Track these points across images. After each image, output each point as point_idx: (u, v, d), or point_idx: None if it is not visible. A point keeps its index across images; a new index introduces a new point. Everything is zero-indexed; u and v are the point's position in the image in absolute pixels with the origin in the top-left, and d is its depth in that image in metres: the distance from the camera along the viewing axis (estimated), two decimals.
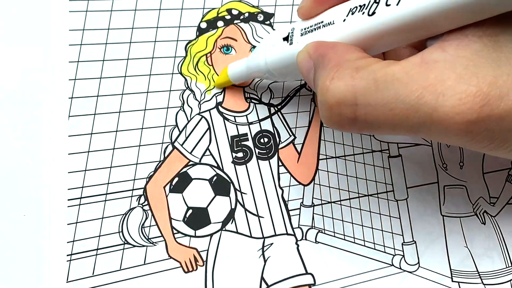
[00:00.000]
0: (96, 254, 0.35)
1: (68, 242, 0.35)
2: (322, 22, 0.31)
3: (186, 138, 0.39)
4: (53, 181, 0.36)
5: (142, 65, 0.40)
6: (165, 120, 0.39)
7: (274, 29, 0.42)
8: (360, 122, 0.27)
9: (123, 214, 0.36)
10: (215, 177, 0.38)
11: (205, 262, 0.36)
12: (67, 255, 0.35)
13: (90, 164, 0.37)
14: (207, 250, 0.37)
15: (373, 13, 0.28)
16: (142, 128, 0.38)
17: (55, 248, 0.35)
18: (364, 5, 0.29)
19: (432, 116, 0.25)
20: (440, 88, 0.25)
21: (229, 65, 0.39)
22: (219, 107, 0.40)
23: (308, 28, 0.32)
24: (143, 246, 0.36)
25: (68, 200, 0.36)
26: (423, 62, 0.26)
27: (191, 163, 0.38)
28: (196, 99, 0.40)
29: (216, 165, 0.39)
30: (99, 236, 0.36)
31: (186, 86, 0.40)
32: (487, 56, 0.25)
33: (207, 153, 0.39)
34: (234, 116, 0.40)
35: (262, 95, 0.41)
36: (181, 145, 0.38)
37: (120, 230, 0.36)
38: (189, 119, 0.39)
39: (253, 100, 0.40)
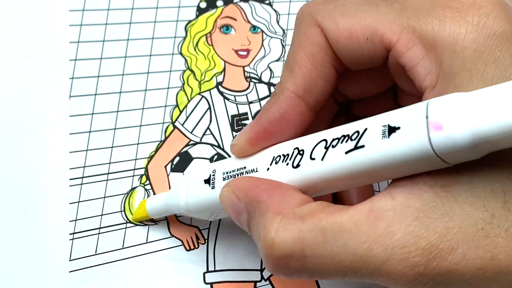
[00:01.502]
0: (99, 233, 0.36)
1: (70, 221, 0.35)
2: (245, 168, 0.30)
3: (187, 117, 0.39)
4: (55, 161, 0.36)
5: (142, 46, 0.40)
6: (165, 100, 0.39)
7: (274, 9, 0.42)
8: (308, 272, 0.26)
9: (125, 194, 0.37)
10: (215, 156, 0.38)
11: (206, 240, 0.37)
12: (70, 234, 0.35)
13: (91, 144, 0.37)
14: (208, 228, 0.37)
15: (298, 165, 0.27)
16: (143, 108, 0.38)
17: (57, 227, 0.35)
18: (288, 155, 0.27)
19: (381, 268, 0.24)
20: (389, 241, 0.24)
21: (147, 199, 0.37)
22: (219, 86, 0.40)
23: (230, 172, 0.30)
24: (145, 225, 0.36)
25: (70, 179, 0.36)
26: (372, 211, 0.24)
27: (191, 142, 0.39)
28: (196, 79, 0.40)
29: (216, 144, 0.39)
30: (101, 215, 0.36)
31: (186, 67, 0.40)
32: (440, 207, 0.24)
33: (208, 132, 0.39)
34: (234, 96, 0.40)
35: (262, 74, 0.41)
36: (182, 124, 0.39)
37: (122, 209, 0.36)
38: (189, 99, 0.39)
39: (253, 80, 0.41)
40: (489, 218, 0.24)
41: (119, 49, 0.39)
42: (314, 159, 0.26)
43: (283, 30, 0.42)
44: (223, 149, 0.39)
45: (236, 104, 0.40)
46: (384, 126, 0.23)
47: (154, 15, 0.41)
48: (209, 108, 0.39)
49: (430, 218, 0.24)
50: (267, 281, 0.36)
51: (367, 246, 0.24)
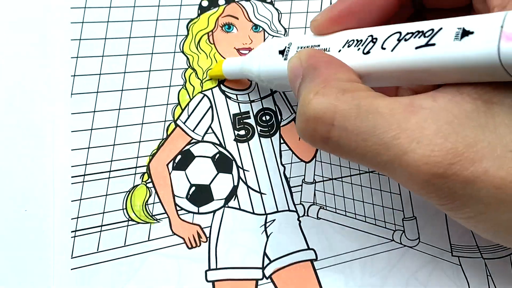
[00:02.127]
0: (101, 231, 0.36)
1: (72, 219, 0.35)
2: (319, 45, 0.31)
3: (189, 116, 0.39)
4: (57, 158, 0.36)
5: (144, 44, 0.40)
6: (167, 98, 0.39)
7: (275, 8, 0.42)
8: (332, 143, 0.27)
9: (127, 192, 0.37)
10: (217, 155, 0.39)
11: (208, 238, 0.37)
12: (72, 232, 0.35)
13: (93, 142, 0.37)
14: (210, 226, 0.37)
15: (368, 52, 0.28)
16: (144, 106, 0.38)
17: (59, 225, 0.35)
18: (361, 40, 0.29)
19: (401, 158, 0.25)
20: (417, 134, 0.24)
21: (225, 59, 0.39)
22: (221, 85, 0.40)
23: (304, 47, 0.32)
24: (147, 222, 0.36)
25: (72, 177, 0.36)
26: (410, 105, 0.25)
27: (193, 140, 0.39)
28: (198, 78, 0.40)
29: (218, 142, 0.39)
30: (103, 213, 0.36)
31: (188, 65, 0.40)
32: (476, 119, 0.24)
33: (210, 131, 0.39)
34: (236, 94, 0.40)
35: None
36: (184, 123, 0.39)
37: (124, 207, 0.36)
38: (191, 97, 0.39)
39: None
40: None
41: (121, 47, 0.39)
42: (384, 48, 0.27)
43: (285, 29, 0.42)
44: (225, 148, 0.39)
45: (238, 103, 0.40)
46: (459, 28, 0.24)
47: (156, 13, 0.41)
48: (211, 106, 0.39)
49: (463, 126, 0.24)
50: (269, 279, 0.36)
51: (395, 133, 0.25)
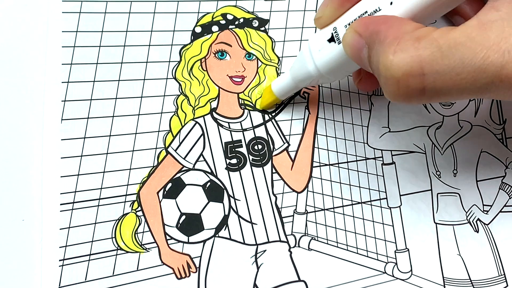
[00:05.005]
0: (89, 260, 0.35)
1: (60, 247, 0.35)
2: (366, 12, 0.31)
3: (180, 143, 0.39)
4: (46, 185, 0.36)
5: (136, 70, 0.40)
6: (159, 125, 0.39)
7: (269, 36, 0.42)
8: (428, 91, 0.27)
9: (116, 220, 0.36)
10: (208, 183, 0.38)
11: (198, 269, 0.36)
12: (60, 260, 0.35)
13: (83, 169, 0.37)
14: (200, 256, 0.37)
15: None
16: (135, 133, 0.38)
17: (47, 253, 0.35)
18: None
19: (500, 74, 0.25)
20: (504, 45, 0.25)
21: (271, 83, 0.39)
22: (213, 113, 0.40)
23: (352, 22, 0.32)
24: (136, 252, 0.36)
25: (61, 204, 0.36)
26: (481, 24, 0.26)
27: (184, 168, 0.38)
28: (190, 105, 0.40)
29: (209, 171, 0.39)
30: (92, 241, 0.35)
31: (181, 91, 0.40)
32: None
33: (201, 159, 0.39)
34: (228, 123, 0.40)
35: (257, 102, 0.41)
36: (175, 150, 0.38)
37: (113, 236, 0.36)
38: (183, 124, 0.39)
39: (247, 107, 0.40)
40: None
41: (113, 72, 0.39)
42: None
43: (278, 58, 0.42)
44: (216, 176, 0.38)
45: (230, 131, 0.40)
46: None
47: (149, 39, 0.40)
48: (203, 134, 0.39)
49: None
50: None
51: (483, 54, 0.25)
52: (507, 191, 0.42)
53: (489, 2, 0.27)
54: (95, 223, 0.36)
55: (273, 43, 0.42)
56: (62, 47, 0.39)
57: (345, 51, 0.31)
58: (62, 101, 0.38)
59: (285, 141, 0.40)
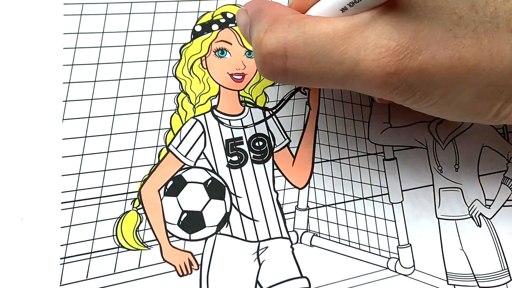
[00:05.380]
0: (90, 258, 0.35)
1: (61, 245, 0.35)
2: None
3: (181, 141, 0.39)
4: (47, 184, 0.36)
5: (137, 68, 0.40)
6: (159, 123, 0.39)
7: None
8: (290, 72, 0.28)
9: (117, 218, 0.36)
10: (210, 181, 0.38)
11: (199, 266, 0.36)
12: (61, 258, 0.35)
13: (84, 167, 0.37)
14: (202, 253, 0.36)
15: None
16: (136, 131, 0.38)
17: (48, 251, 0.35)
18: None
19: (354, 69, 0.27)
20: (363, 43, 0.26)
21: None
22: (214, 110, 0.40)
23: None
24: (138, 249, 0.36)
25: (62, 203, 0.36)
26: (350, 20, 0.27)
27: (185, 166, 0.38)
28: (191, 103, 0.40)
29: (211, 168, 0.38)
30: (93, 239, 0.35)
31: (181, 89, 0.40)
32: (411, 11, 0.26)
33: (202, 156, 0.39)
34: (229, 120, 0.40)
35: (257, 98, 0.41)
36: (176, 148, 0.38)
37: (114, 234, 0.36)
38: (183, 122, 0.39)
39: (247, 104, 0.40)
40: (457, 19, 0.26)
41: (113, 72, 0.39)
42: None
43: None
44: (217, 174, 0.38)
45: (231, 128, 0.40)
46: None
47: (149, 38, 0.40)
48: (204, 132, 0.39)
49: (401, 23, 0.26)
50: None
51: (343, 48, 0.27)
52: (509, 185, 0.42)
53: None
54: (96, 221, 0.36)
55: None
56: (63, 48, 0.39)
57: (237, 24, 0.33)
58: (63, 101, 0.38)
59: (286, 137, 0.40)
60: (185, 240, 0.37)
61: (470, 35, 0.26)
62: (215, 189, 0.38)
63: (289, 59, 0.28)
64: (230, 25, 0.42)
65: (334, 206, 0.39)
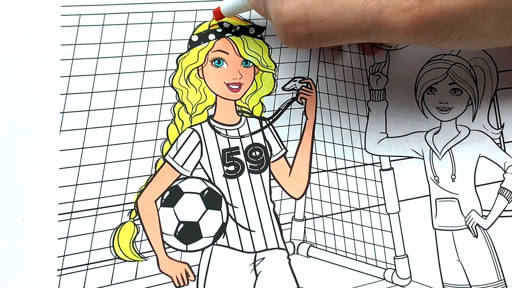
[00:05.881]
0: (87, 269, 0.35)
1: (58, 257, 0.35)
2: None
3: (177, 151, 0.39)
4: (44, 195, 0.36)
5: (134, 79, 0.40)
6: (156, 133, 0.39)
7: (266, 43, 0.42)
8: (314, 36, 0.29)
9: (114, 229, 0.36)
10: (206, 191, 0.38)
11: (196, 277, 0.36)
12: (58, 270, 0.35)
13: (81, 179, 0.37)
14: (199, 264, 0.36)
15: None
16: (133, 142, 0.38)
17: (45, 263, 0.35)
18: None
19: (378, 19, 0.27)
20: None
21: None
22: (211, 120, 0.40)
23: None
24: (134, 260, 0.36)
25: (59, 214, 0.36)
26: None
27: (182, 176, 0.38)
28: (187, 112, 0.40)
29: (207, 178, 0.39)
30: (90, 250, 0.35)
31: (178, 99, 0.40)
32: None
33: (199, 166, 0.39)
34: (226, 130, 0.40)
35: (254, 108, 0.41)
36: (172, 158, 0.38)
37: (111, 245, 0.36)
38: (180, 132, 0.39)
39: (244, 114, 0.40)
40: None
41: (111, 83, 0.39)
42: None
43: (275, 64, 0.42)
44: (214, 184, 0.38)
45: (227, 138, 0.40)
46: None
47: (146, 48, 0.40)
48: (200, 142, 0.39)
49: None
50: None
51: (363, 1, 0.27)
52: (505, 196, 0.41)
53: None
54: (93, 233, 0.36)
55: (270, 49, 0.42)
56: (61, 60, 0.39)
57: (248, 2, 0.34)
58: (60, 112, 0.38)
59: (282, 147, 0.40)
60: (182, 251, 0.37)
61: None
62: (212, 199, 0.38)
63: (312, 24, 0.29)
64: (226, 34, 0.42)
65: (331, 216, 0.39)
